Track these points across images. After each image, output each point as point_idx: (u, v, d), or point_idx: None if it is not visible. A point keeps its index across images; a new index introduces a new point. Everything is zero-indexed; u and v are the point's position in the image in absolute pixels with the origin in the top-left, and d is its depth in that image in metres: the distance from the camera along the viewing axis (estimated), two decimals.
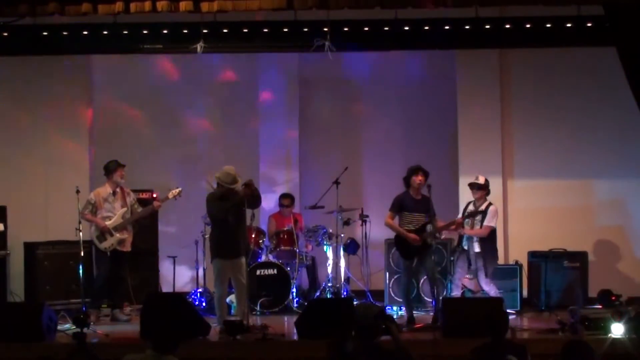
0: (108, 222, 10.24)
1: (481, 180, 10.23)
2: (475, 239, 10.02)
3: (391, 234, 11.23)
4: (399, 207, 9.90)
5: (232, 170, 9.37)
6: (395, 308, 10.89)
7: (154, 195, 11.20)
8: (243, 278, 9.38)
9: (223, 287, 9.47)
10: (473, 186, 10.24)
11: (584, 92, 11.82)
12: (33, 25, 10.31)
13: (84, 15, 9.24)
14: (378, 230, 11.33)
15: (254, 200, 9.56)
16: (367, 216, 11.30)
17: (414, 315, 10.01)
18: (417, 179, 9.79)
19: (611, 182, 11.81)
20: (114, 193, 10.36)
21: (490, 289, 10.03)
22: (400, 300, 10.78)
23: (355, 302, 9.28)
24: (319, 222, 11.49)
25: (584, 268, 11.06)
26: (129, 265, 10.64)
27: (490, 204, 10.23)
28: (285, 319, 10.27)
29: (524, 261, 11.18)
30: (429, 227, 9.78)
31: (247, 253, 9.80)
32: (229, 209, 9.28)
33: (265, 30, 10.53)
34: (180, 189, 10.45)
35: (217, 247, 9.44)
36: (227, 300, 10.69)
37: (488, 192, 10.30)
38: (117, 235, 10.25)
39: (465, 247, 10.08)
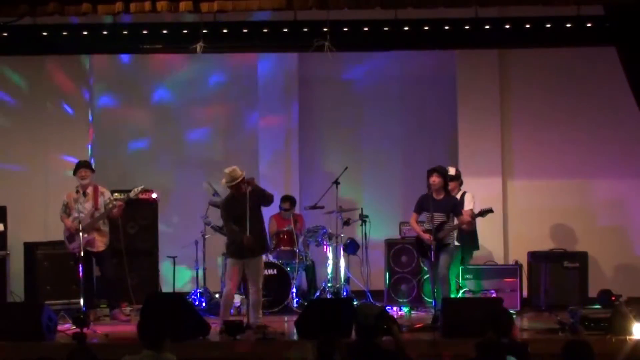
0: (76, 223, 10.07)
1: (452, 172, 10.36)
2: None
3: (391, 234, 11.31)
4: (419, 207, 9.95)
5: (230, 169, 9.48)
6: (395, 308, 10.88)
7: (154, 196, 11.23)
8: (256, 281, 9.50)
9: (231, 283, 9.55)
10: None
11: (583, 92, 11.82)
12: (33, 25, 10.30)
13: (84, 15, 9.23)
14: (378, 230, 11.35)
15: (259, 198, 9.56)
16: (367, 216, 11.29)
17: (414, 314, 10.01)
18: (431, 179, 9.81)
19: (611, 182, 11.81)
20: (84, 193, 10.27)
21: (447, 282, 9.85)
22: (402, 300, 10.86)
23: (355, 302, 9.29)
24: (319, 222, 11.49)
25: (584, 268, 11.05)
26: (129, 265, 10.63)
27: (464, 192, 10.43)
28: (285, 319, 10.26)
29: (524, 261, 11.18)
30: (446, 227, 9.77)
31: (260, 252, 9.74)
32: (235, 216, 9.43)
33: (265, 30, 10.52)
34: (142, 186, 10.40)
35: (228, 246, 9.71)
36: None
37: (461, 183, 10.49)
38: (85, 235, 10.08)
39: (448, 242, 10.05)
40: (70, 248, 10.22)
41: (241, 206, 9.38)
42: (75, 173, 10.36)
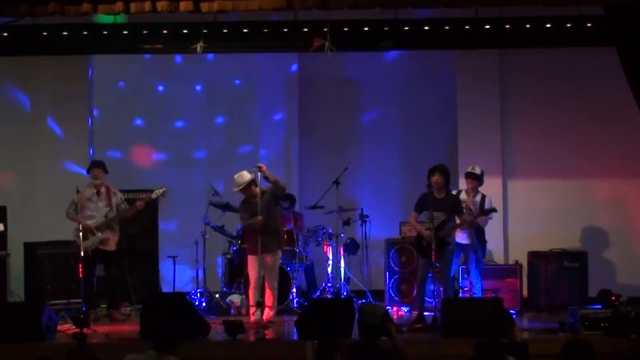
0: (90, 222, 10.22)
1: (478, 171, 10.36)
2: (464, 231, 10.05)
3: (390, 234, 11.30)
4: (420, 206, 9.91)
5: (237, 174, 9.88)
6: (395, 308, 10.88)
7: (153, 196, 11.24)
8: (269, 275, 9.84)
9: (255, 277, 9.84)
10: (469, 176, 10.34)
11: (584, 92, 11.82)
12: (33, 25, 10.31)
13: (84, 15, 9.23)
14: (378, 230, 11.35)
15: (272, 193, 9.91)
16: (367, 216, 11.30)
17: (414, 314, 10.00)
18: (434, 178, 9.79)
19: (611, 182, 11.81)
20: (98, 193, 10.36)
21: (479, 282, 10.10)
22: (402, 300, 10.87)
23: (355, 302, 9.28)
24: (319, 222, 11.49)
25: (584, 268, 11.05)
26: (129, 265, 10.64)
27: (484, 195, 10.39)
28: (285, 318, 10.26)
29: (524, 261, 11.18)
30: (447, 226, 9.77)
31: (276, 248, 10.03)
32: (252, 215, 9.80)
33: (265, 30, 10.53)
34: (164, 188, 10.48)
35: (246, 244, 10.19)
36: (227, 300, 10.73)
37: (481, 184, 10.45)
38: (99, 234, 10.21)
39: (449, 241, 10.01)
40: (83, 247, 10.22)
41: (256, 206, 9.80)
42: (88, 171, 10.47)
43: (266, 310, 9.79)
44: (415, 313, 10.20)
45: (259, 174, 9.80)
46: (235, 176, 9.91)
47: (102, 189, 10.38)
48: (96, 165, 10.45)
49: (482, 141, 11.85)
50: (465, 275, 10.36)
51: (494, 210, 10.10)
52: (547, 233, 11.63)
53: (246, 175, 9.84)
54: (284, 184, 10.04)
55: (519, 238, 11.74)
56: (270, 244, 9.87)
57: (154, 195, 10.43)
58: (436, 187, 9.78)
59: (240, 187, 9.84)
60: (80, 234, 9.96)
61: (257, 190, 9.88)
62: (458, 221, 9.86)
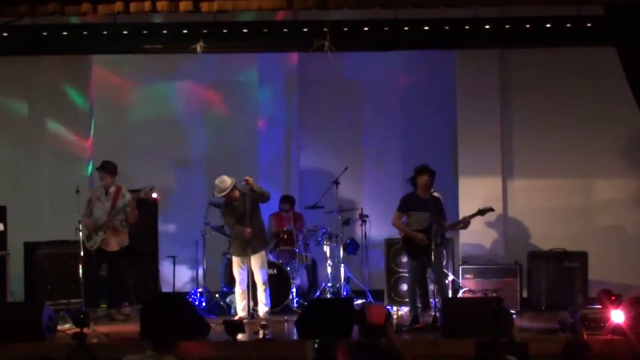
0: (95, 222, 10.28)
1: None
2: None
3: (391, 234, 11.27)
4: (406, 207, 9.87)
5: (219, 179, 9.98)
6: (395, 308, 10.89)
7: (154, 196, 11.23)
8: (257, 275, 10.02)
9: (238, 279, 10.06)
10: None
11: (584, 92, 11.81)
12: (33, 25, 10.31)
13: (84, 15, 9.23)
14: (378, 230, 11.35)
15: (255, 197, 9.99)
16: (367, 216, 11.30)
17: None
18: (423, 179, 9.77)
19: (611, 182, 11.81)
20: (107, 193, 10.41)
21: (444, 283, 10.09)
22: (402, 300, 10.85)
23: (355, 302, 9.30)
24: (319, 222, 11.49)
25: (584, 268, 11.05)
26: (128, 265, 10.65)
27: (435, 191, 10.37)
28: (285, 318, 10.26)
29: (524, 261, 11.18)
30: (435, 227, 9.75)
31: (262, 248, 10.22)
32: (236, 217, 9.98)
33: (265, 30, 10.53)
34: (152, 186, 10.49)
35: (232, 245, 10.27)
36: (227, 300, 10.74)
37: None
38: (100, 233, 10.27)
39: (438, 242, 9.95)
40: (87, 246, 10.29)
41: (239, 209, 9.98)
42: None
43: (262, 307, 10.00)
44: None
45: (246, 185, 9.92)
46: (217, 181, 9.98)
47: (112, 189, 10.45)
48: (100, 168, 10.53)
49: (482, 141, 11.83)
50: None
51: (491, 209, 10.05)
52: (547, 233, 11.63)
53: (227, 180, 9.95)
54: (269, 195, 10.14)
55: (519, 238, 11.74)
56: (258, 246, 10.11)
57: (142, 194, 10.43)
58: (423, 188, 9.76)
59: (225, 192, 9.91)
60: (81, 233, 10.00)
61: (238, 193, 10.00)
62: (447, 223, 9.86)
